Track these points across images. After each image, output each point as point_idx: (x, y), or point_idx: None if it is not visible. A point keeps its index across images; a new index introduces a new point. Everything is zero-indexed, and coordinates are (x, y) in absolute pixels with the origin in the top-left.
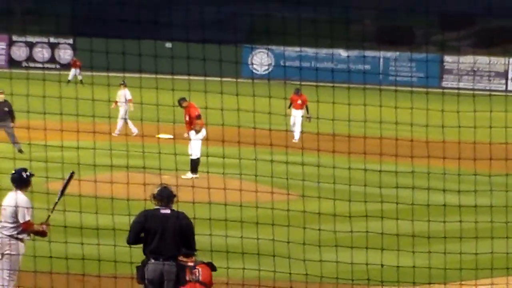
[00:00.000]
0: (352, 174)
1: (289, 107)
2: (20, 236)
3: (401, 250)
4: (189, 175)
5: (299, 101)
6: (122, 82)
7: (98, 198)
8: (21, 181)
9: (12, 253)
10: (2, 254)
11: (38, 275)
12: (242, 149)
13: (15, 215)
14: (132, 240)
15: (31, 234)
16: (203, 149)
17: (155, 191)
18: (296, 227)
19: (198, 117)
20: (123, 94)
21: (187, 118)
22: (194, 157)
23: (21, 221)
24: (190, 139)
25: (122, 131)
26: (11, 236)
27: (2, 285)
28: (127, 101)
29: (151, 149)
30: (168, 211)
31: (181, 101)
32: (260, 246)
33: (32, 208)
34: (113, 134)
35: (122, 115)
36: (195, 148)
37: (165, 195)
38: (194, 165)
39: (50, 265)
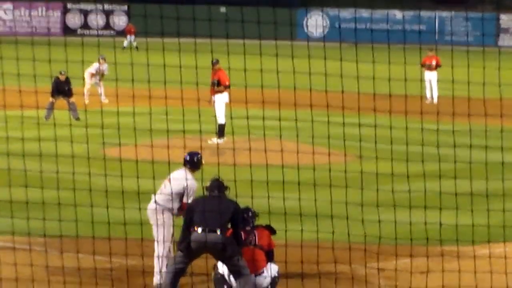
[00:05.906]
0: (409, 134)
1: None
2: (173, 211)
3: (459, 209)
4: (215, 140)
5: (433, 62)
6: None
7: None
8: (193, 163)
9: (165, 221)
10: (156, 223)
11: (96, 240)
12: (298, 112)
13: (182, 193)
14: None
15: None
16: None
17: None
18: (353, 188)
19: (228, 87)
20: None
21: (215, 81)
22: (221, 121)
23: (184, 201)
24: (214, 103)
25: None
26: (165, 207)
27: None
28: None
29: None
30: (217, 194)
31: (216, 62)
32: (318, 207)
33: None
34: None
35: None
36: (220, 112)
37: (215, 186)
38: (221, 130)
39: (108, 230)
